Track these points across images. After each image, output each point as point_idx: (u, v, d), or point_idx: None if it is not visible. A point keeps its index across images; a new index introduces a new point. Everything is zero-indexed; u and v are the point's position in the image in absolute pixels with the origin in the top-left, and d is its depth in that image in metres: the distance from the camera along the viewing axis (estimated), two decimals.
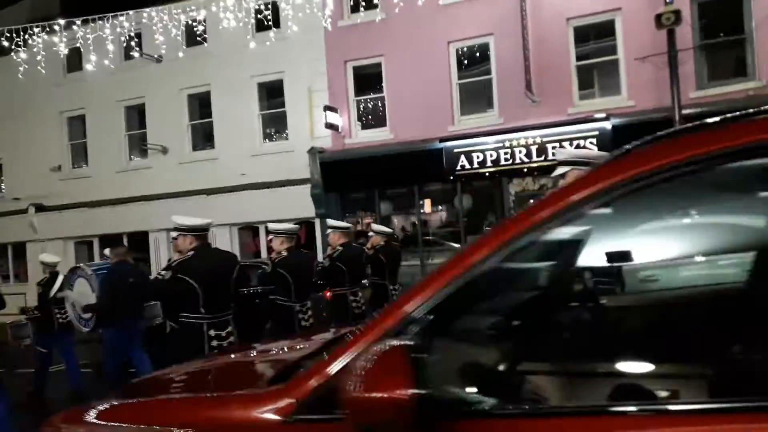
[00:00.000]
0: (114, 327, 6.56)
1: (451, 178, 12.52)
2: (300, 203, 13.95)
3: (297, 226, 5.62)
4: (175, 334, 4.27)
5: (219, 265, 4.28)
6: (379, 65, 13.58)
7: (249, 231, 15.44)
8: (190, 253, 4.17)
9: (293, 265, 5.31)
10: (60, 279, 7.33)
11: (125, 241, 16.25)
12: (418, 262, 13.11)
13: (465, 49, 12.96)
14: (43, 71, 16.94)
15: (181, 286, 4.00)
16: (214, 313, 4.11)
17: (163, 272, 3.85)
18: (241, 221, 14.93)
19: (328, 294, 6.72)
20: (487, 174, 12.22)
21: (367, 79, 13.88)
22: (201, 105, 15.65)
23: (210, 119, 15.41)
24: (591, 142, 11.30)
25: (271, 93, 14.83)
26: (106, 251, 7.68)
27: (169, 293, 4.23)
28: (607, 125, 11.36)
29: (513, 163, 12.09)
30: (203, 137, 15.86)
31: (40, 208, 16.95)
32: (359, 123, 13.98)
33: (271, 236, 5.46)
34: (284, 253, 5.33)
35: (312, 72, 14.10)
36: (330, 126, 13.48)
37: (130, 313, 6.41)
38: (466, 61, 13.01)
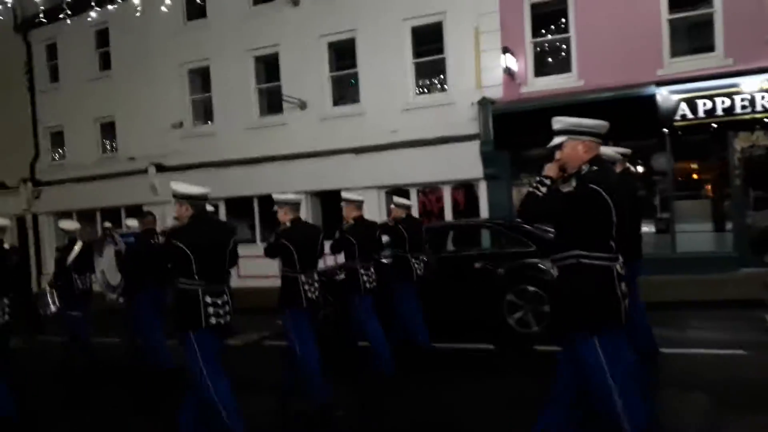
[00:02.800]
0: (141, 296, 6.82)
1: (665, 130, 10.53)
2: (463, 162, 12.24)
3: (300, 196, 5.61)
4: (174, 299, 4.31)
5: (214, 235, 4.33)
6: (563, 0, 11.64)
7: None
8: (187, 220, 4.25)
9: (298, 236, 5.24)
10: (78, 245, 7.32)
11: (255, 204, 15.00)
12: None
13: None
14: (162, 20, 15.82)
15: (175, 253, 4.10)
16: (209, 281, 4.16)
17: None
18: (389, 183, 13.32)
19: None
20: (714, 126, 10.18)
21: (547, 18, 11.97)
22: (344, 54, 14.03)
23: (354, 69, 13.79)
24: None
25: (427, 38, 13.06)
26: (129, 222, 8.06)
27: (164, 259, 4.41)
28: None
29: (743, 113, 10.03)
30: (347, 90, 14.27)
31: (159, 168, 15.78)
32: (537, 69, 12.09)
33: (275, 207, 5.33)
34: (288, 225, 5.26)
35: (479, 11, 12.26)
36: (508, 72, 11.67)
37: (157, 282, 6.69)
38: None
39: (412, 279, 6.77)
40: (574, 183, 3.16)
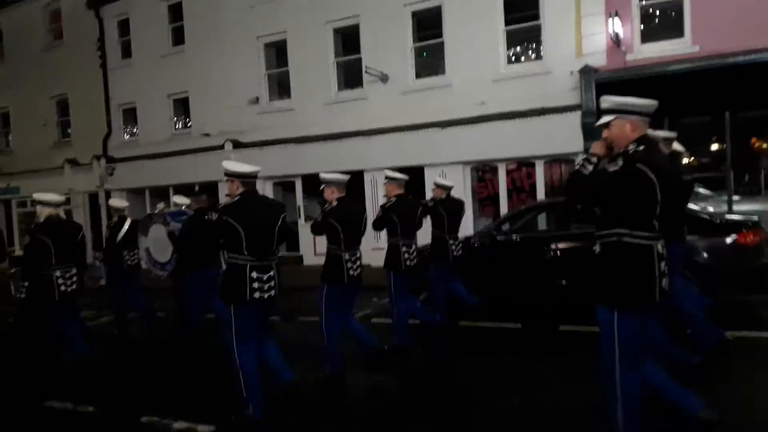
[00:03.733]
0: (192, 273, 6.92)
1: None
2: (559, 135, 11.54)
3: (346, 176, 5.53)
4: (223, 274, 4.52)
5: (264, 212, 4.42)
6: None
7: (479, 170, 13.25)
8: (237, 197, 4.36)
9: (344, 214, 5.34)
10: (128, 223, 7.75)
11: None
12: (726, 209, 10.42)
13: None
14: None
15: (226, 228, 4.24)
16: (257, 257, 4.30)
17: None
18: (476, 158, 12.74)
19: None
20: None
21: None
22: (427, 24, 13.44)
23: (440, 39, 13.18)
24: None
25: (520, 4, 12.35)
26: (176, 198, 8.19)
27: (215, 234, 4.47)
28: None
29: None
30: (431, 62, 13.69)
31: (236, 145, 15.53)
32: (644, 34, 11.28)
33: (322, 186, 5.42)
34: (335, 203, 5.36)
35: None
36: (615, 38, 10.91)
37: (208, 260, 6.88)
38: None
39: (448, 259, 6.99)
40: (620, 162, 3.17)
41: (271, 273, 4.35)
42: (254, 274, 4.26)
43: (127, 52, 17.88)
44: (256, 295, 4.26)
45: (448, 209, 7.08)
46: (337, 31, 14.51)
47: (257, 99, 15.48)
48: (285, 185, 15.37)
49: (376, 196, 13.62)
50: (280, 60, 15.46)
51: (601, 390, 3.43)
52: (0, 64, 21.09)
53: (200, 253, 6.73)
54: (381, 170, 13.73)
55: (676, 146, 4.93)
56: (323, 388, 5.18)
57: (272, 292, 4.36)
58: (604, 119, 3.32)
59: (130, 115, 18.15)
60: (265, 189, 15.29)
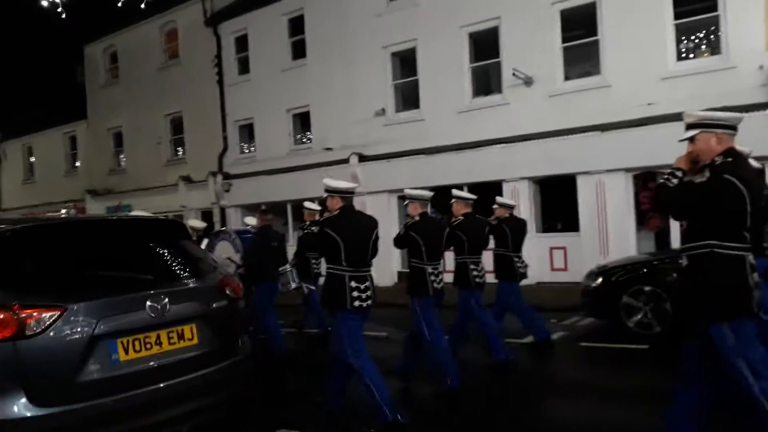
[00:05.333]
0: (258, 287, 7.45)
1: None
2: (744, 136, 10.10)
3: (429, 193, 5.86)
4: (323, 284, 4.72)
5: (361, 226, 4.70)
6: None
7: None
8: (337, 212, 4.60)
9: (425, 229, 5.58)
10: (205, 242, 7.88)
11: (465, 191, 13.65)
12: None
13: None
14: (363, 1, 15.03)
15: (326, 240, 4.51)
16: (355, 267, 4.54)
17: (313, 228, 4.35)
18: (640, 165, 11.52)
19: None
20: None
21: None
22: (578, 21, 12.44)
23: (594, 38, 12.16)
24: None
25: None
26: (247, 219, 9.76)
27: (316, 245, 4.96)
28: None
29: None
30: (582, 62, 12.67)
31: (361, 158, 14.89)
32: None
33: (407, 201, 5.74)
34: (417, 218, 5.62)
35: None
36: None
37: (272, 274, 7.63)
38: None
39: (515, 278, 7.09)
40: (707, 174, 3.15)
41: (368, 283, 4.58)
42: (353, 284, 4.49)
43: (244, 68, 17.72)
44: (356, 303, 4.49)
45: (512, 228, 7.17)
46: (472, 36, 13.73)
47: (383, 110, 14.83)
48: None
49: (518, 206, 12.64)
50: (408, 69, 14.80)
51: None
52: (114, 86, 21.54)
53: (265, 267, 7.47)
54: (523, 180, 12.88)
55: (752, 162, 4.59)
56: (444, 400, 5.32)
57: (369, 302, 4.58)
58: (688, 134, 3.30)
59: (247, 131, 17.93)
60: (390, 203, 14.56)
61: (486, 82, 13.82)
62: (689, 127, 3.30)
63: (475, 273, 6.29)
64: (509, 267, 7.08)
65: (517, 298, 7.19)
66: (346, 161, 14.96)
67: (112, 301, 3.38)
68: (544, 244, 12.81)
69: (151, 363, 3.46)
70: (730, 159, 3.15)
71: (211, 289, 3.92)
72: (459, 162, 13.34)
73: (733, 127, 3.26)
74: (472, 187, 13.38)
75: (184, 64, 19.06)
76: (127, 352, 3.38)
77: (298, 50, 16.55)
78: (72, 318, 3.19)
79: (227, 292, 3.99)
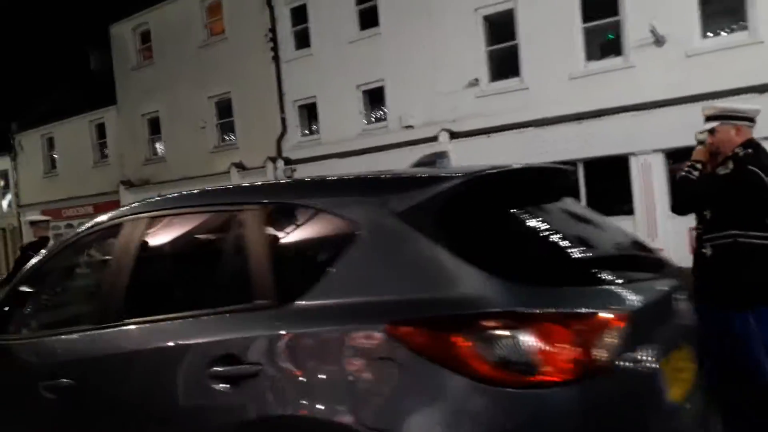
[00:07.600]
0: None
1: None
2: None
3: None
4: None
5: None
6: None
7: None
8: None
9: None
10: None
11: (580, 170, 12.22)
12: None
13: None
14: None
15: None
16: None
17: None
18: None
19: None
20: None
21: None
22: None
23: None
24: None
25: None
26: None
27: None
28: None
29: None
30: (722, 19, 11.23)
31: (452, 135, 13.38)
32: None
33: None
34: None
35: None
36: None
37: None
38: None
39: None
40: (731, 165, 3.18)
41: None
42: None
43: (302, 42, 16.10)
44: None
45: None
46: None
47: (477, 80, 13.31)
48: None
49: (644, 184, 11.26)
50: (504, 33, 13.28)
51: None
52: (147, 68, 19.83)
53: None
54: (656, 153, 11.45)
55: None
56: None
57: None
58: (708, 125, 3.32)
59: (307, 112, 16.32)
60: None
61: (606, 42, 12.36)
62: (708, 119, 3.33)
63: None
64: None
65: None
66: (432, 139, 13.41)
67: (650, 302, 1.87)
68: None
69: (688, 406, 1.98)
70: (750, 150, 3.19)
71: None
72: (573, 134, 11.95)
73: (752, 119, 3.29)
74: (591, 162, 12.02)
75: (231, 40, 17.38)
76: (673, 385, 1.89)
77: (367, 19, 14.96)
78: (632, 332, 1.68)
79: None
